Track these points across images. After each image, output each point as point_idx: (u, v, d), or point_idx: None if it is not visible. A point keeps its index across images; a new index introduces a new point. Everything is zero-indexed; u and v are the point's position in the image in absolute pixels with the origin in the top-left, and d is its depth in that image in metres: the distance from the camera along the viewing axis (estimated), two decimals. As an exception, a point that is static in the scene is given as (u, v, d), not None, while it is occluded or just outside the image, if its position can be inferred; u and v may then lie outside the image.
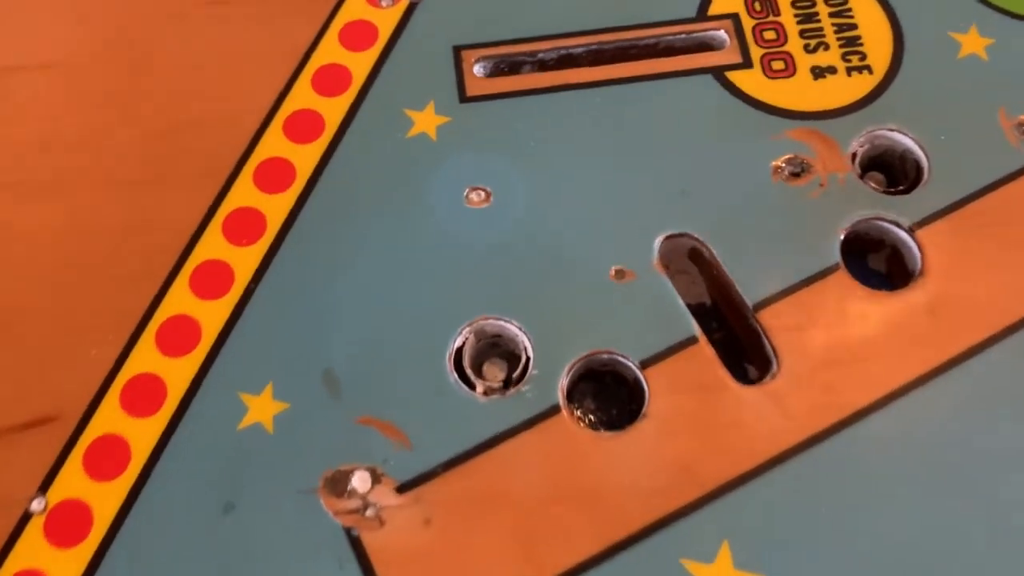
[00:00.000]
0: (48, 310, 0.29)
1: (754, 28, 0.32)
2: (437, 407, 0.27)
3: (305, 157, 0.30)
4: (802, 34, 0.32)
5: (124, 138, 0.31)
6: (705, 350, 0.27)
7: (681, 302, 0.28)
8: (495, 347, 0.28)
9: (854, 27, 0.32)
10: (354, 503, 0.26)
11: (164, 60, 0.32)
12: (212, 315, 0.28)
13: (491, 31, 0.32)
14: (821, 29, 0.32)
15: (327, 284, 0.29)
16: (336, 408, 0.27)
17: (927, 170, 0.29)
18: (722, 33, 0.32)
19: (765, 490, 0.25)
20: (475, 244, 0.29)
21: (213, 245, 0.29)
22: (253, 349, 0.28)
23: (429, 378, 0.27)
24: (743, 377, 0.27)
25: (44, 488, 0.26)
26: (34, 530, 0.26)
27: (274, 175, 0.30)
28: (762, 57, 0.31)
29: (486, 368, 0.28)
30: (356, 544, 0.25)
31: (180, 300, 0.28)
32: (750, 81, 0.31)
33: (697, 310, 0.28)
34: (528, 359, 0.27)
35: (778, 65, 0.31)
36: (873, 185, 0.29)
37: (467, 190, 0.30)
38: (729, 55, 0.31)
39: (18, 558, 0.26)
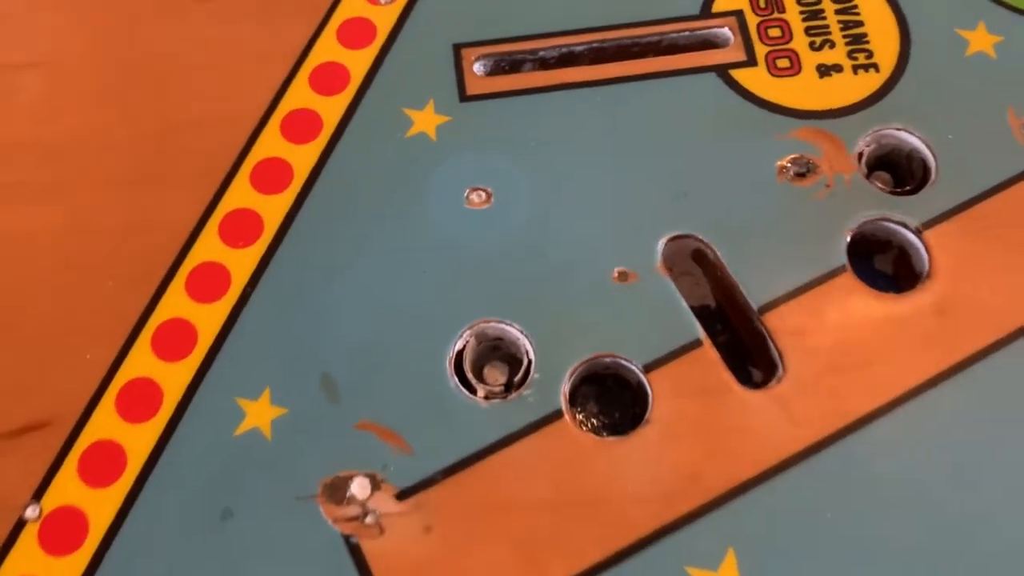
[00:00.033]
0: (42, 313, 0.29)
1: (759, 25, 0.31)
2: (438, 412, 0.26)
3: (303, 157, 0.30)
4: (807, 31, 0.31)
5: (119, 138, 0.31)
6: (709, 353, 0.27)
7: (685, 304, 0.28)
8: (496, 350, 0.28)
9: (860, 24, 0.31)
10: (353, 510, 0.25)
11: (160, 59, 0.32)
12: (208, 319, 0.28)
13: (491, 29, 0.32)
14: (827, 26, 0.31)
15: (325, 287, 0.28)
16: (335, 413, 0.27)
17: (934, 170, 0.29)
18: (726, 30, 0.32)
19: (770, 496, 0.25)
20: (476, 246, 0.29)
21: (209, 247, 0.29)
22: (250, 353, 0.27)
23: (429, 382, 0.27)
24: (748, 381, 0.27)
25: (38, 495, 0.26)
26: (28, 538, 0.26)
27: (271, 176, 0.30)
28: (767, 55, 0.31)
29: (487, 372, 0.28)
30: (355, 552, 0.25)
31: (176, 303, 0.28)
32: (755, 79, 0.30)
33: (701, 312, 0.28)
34: (530, 363, 0.27)
35: (783, 63, 0.31)
36: (879, 185, 0.29)
37: (467, 191, 0.29)
38: (733, 53, 0.31)
39: (12, 566, 0.25)
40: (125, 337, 0.28)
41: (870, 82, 0.30)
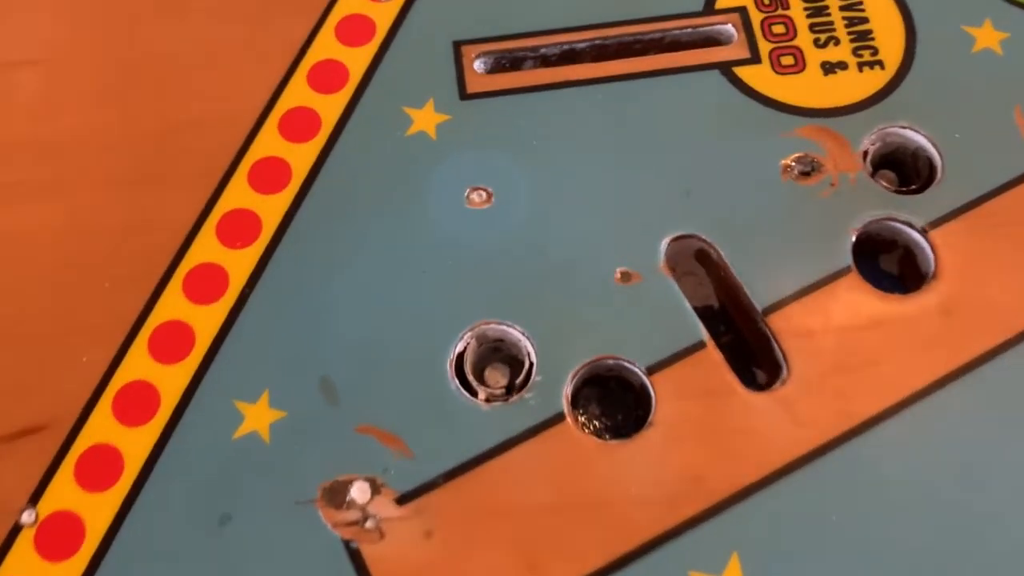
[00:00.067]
0: (38, 315, 0.28)
1: (763, 22, 0.31)
2: (438, 415, 0.26)
3: (301, 156, 0.30)
4: (812, 28, 0.31)
5: (117, 137, 0.30)
6: (713, 354, 0.27)
7: (688, 305, 0.27)
8: (497, 352, 0.28)
9: (865, 21, 0.31)
10: (353, 514, 0.25)
11: (158, 58, 0.32)
12: (206, 320, 0.27)
13: (492, 26, 0.31)
14: (831, 23, 0.31)
15: (324, 288, 0.28)
16: (334, 416, 0.26)
17: (940, 169, 0.29)
18: (729, 27, 0.31)
19: (775, 499, 0.25)
20: (476, 246, 0.28)
21: (207, 248, 0.28)
22: (248, 356, 0.27)
23: (430, 385, 0.27)
24: (752, 382, 0.27)
25: (34, 499, 0.26)
26: (24, 543, 0.25)
27: (269, 175, 0.29)
28: (771, 52, 0.31)
29: (488, 373, 0.28)
30: (355, 557, 0.25)
31: (173, 305, 0.28)
32: (758, 77, 0.30)
33: (704, 313, 0.28)
34: (531, 365, 0.27)
35: (787, 60, 0.30)
36: (885, 184, 0.29)
37: (468, 190, 0.29)
38: (737, 50, 0.31)
39: (8, 572, 0.25)
40: (122, 339, 0.27)
41: (875, 79, 0.30)
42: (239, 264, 0.28)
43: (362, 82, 0.31)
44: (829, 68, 0.30)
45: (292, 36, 0.32)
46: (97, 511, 0.26)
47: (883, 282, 0.28)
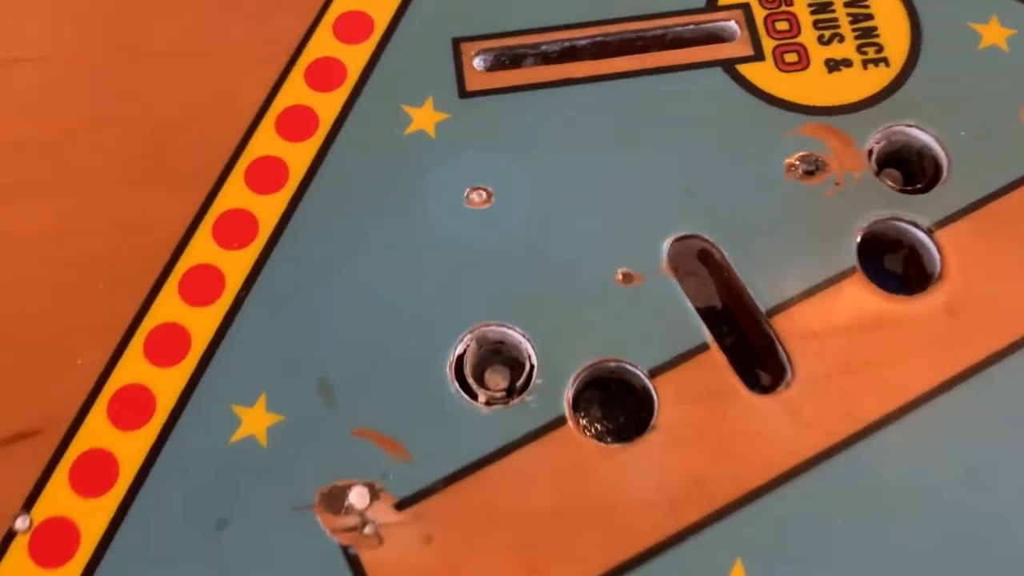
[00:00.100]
0: (33, 317, 0.28)
1: (766, 19, 0.31)
2: (438, 418, 0.26)
3: (298, 156, 0.29)
4: (816, 25, 0.30)
5: (112, 136, 0.30)
6: (716, 356, 0.26)
7: (691, 306, 0.27)
8: (497, 354, 0.27)
9: (870, 17, 0.30)
10: (352, 520, 0.25)
11: (152, 55, 0.31)
12: (202, 323, 0.27)
13: (491, 23, 0.31)
14: (836, 20, 0.30)
15: (322, 290, 0.28)
16: (332, 420, 0.26)
17: (946, 168, 0.28)
18: (732, 24, 0.31)
19: (779, 503, 0.25)
20: (476, 247, 0.28)
21: (203, 249, 0.28)
22: (245, 358, 0.27)
23: (429, 387, 0.26)
24: (756, 385, 0.26)
25: (28, 505, 0.26)
26: (18, 549, 0.25)
27: (266, 175, 0.29)
28: (774, 49, 0.30)
29: (488, 376, 0.27)
30: (354, 563, 0.24)
31: (169, 307, 0.27)
32: (762, 74, 0.30)
33: (707, 314, 0.27)
34: (532, 367, 0.26)
35: (791, 57, 0.30)
36: (890, 183, 0.28)
37: (467, 190, 0.29)
38: (740, 47, 0.30)
39: (2, 578, 0.25)
40: (117, 342, 0.27)
41: (880, 77, 0.30)
42: (235, 266, 0.28)
43: (360, 80, 0.30)
44: (833, 65, 0.30)
45: (289, 33, 0.31)
46: (92, 517, 0.25)
47: (888, 282, 0.27)
